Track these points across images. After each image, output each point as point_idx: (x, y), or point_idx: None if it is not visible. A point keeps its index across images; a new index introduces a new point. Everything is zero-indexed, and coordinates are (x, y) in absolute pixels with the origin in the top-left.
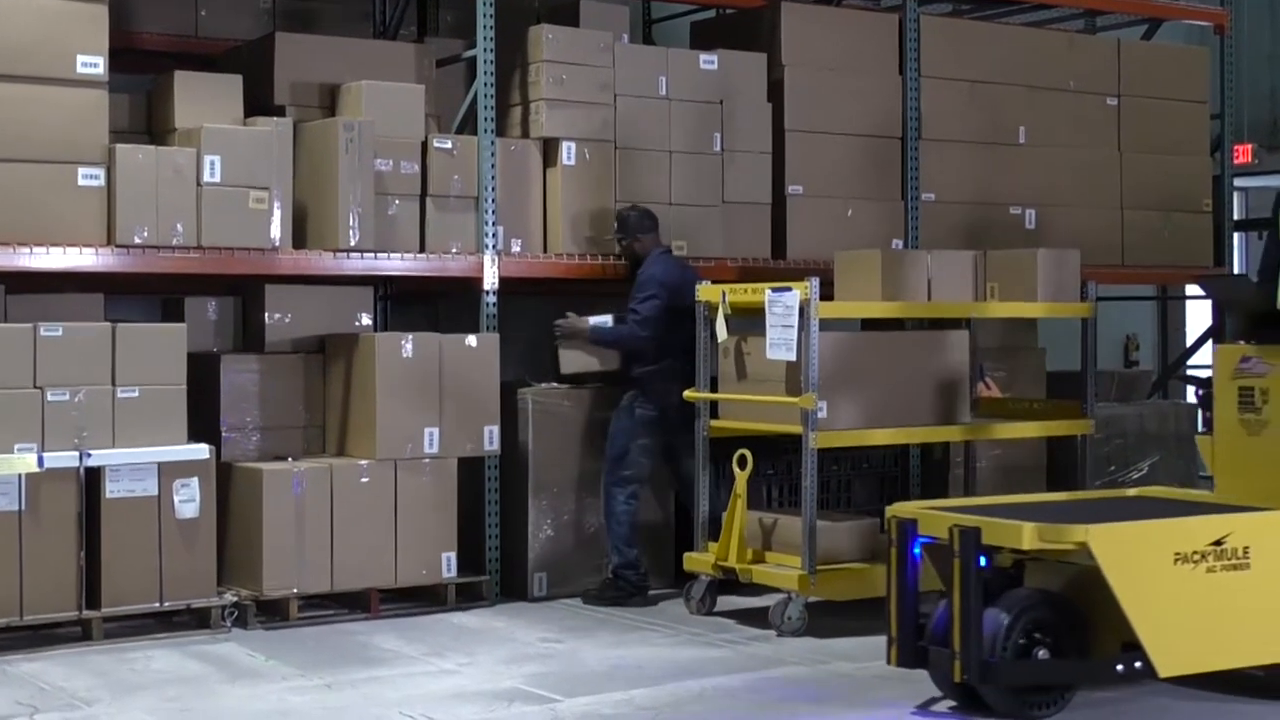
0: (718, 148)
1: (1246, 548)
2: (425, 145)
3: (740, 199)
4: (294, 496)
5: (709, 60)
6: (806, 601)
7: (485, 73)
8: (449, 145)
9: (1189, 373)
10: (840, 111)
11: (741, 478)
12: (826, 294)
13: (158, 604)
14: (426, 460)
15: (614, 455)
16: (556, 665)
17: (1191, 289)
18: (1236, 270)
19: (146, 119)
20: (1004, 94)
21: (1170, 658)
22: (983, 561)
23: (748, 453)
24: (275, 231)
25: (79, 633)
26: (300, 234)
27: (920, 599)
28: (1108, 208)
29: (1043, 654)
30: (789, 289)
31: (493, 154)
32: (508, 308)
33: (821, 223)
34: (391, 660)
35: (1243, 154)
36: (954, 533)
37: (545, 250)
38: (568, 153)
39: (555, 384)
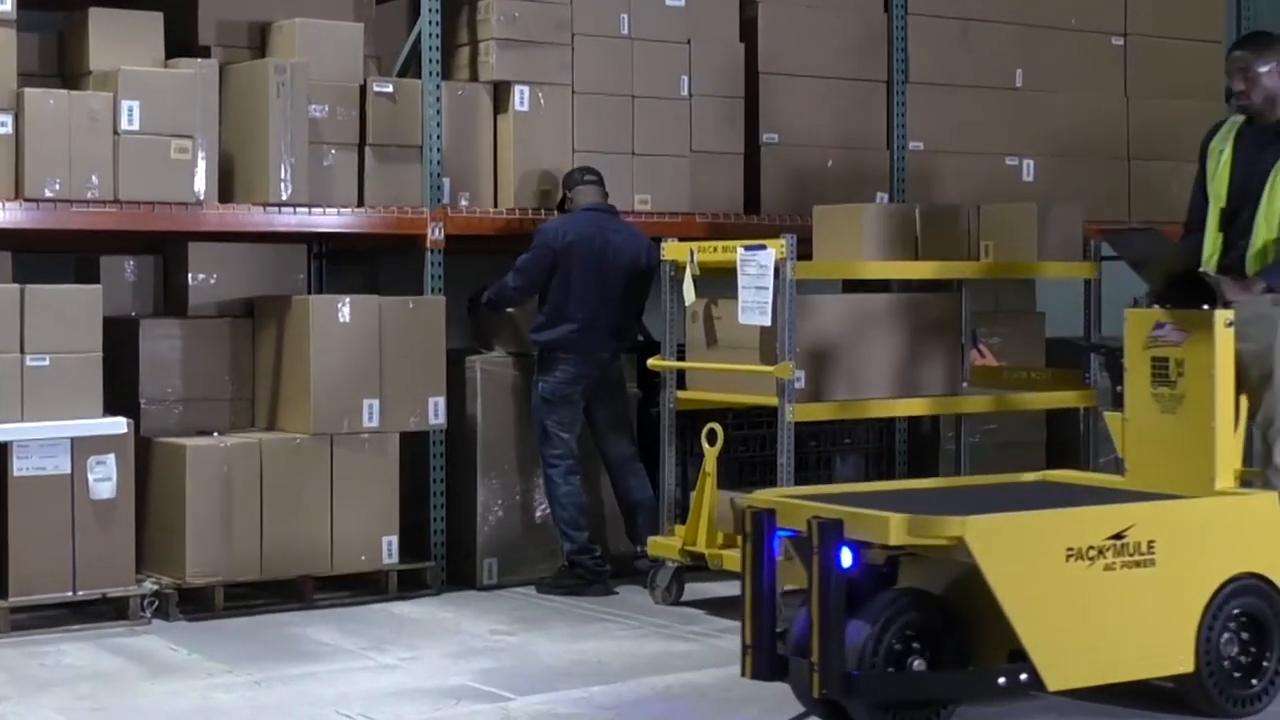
0: (685, 92)
1: (1151, 542)
2: (364, 90)
3: (709, 148)
4: (220, 475)
5: None
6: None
7: (430, 10)
8: (390, 89)
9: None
10: (819, 52)
11: (711, 454)
12: (804, 253)
13: (70, 593)
14: (366, 435)
15: (536, 436)
16: (508, 660)
17: None
18: None
19: (58, 61)
20: (999, 33)
21: (1061, 669)
22: (848, 559)
23: (718, 427)
24: (200, 184)
25: None
26: (227, 187)
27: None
28: (1113, 158)
29: (918, 664)
30: (763, 247)
31: (438, 99)
32: (454, 268)
33: (799, 174)
34: (327, 654)
35: None
36: (812, 525)
37: (495, 205)
38: (520, 97)
39: (508, 352)
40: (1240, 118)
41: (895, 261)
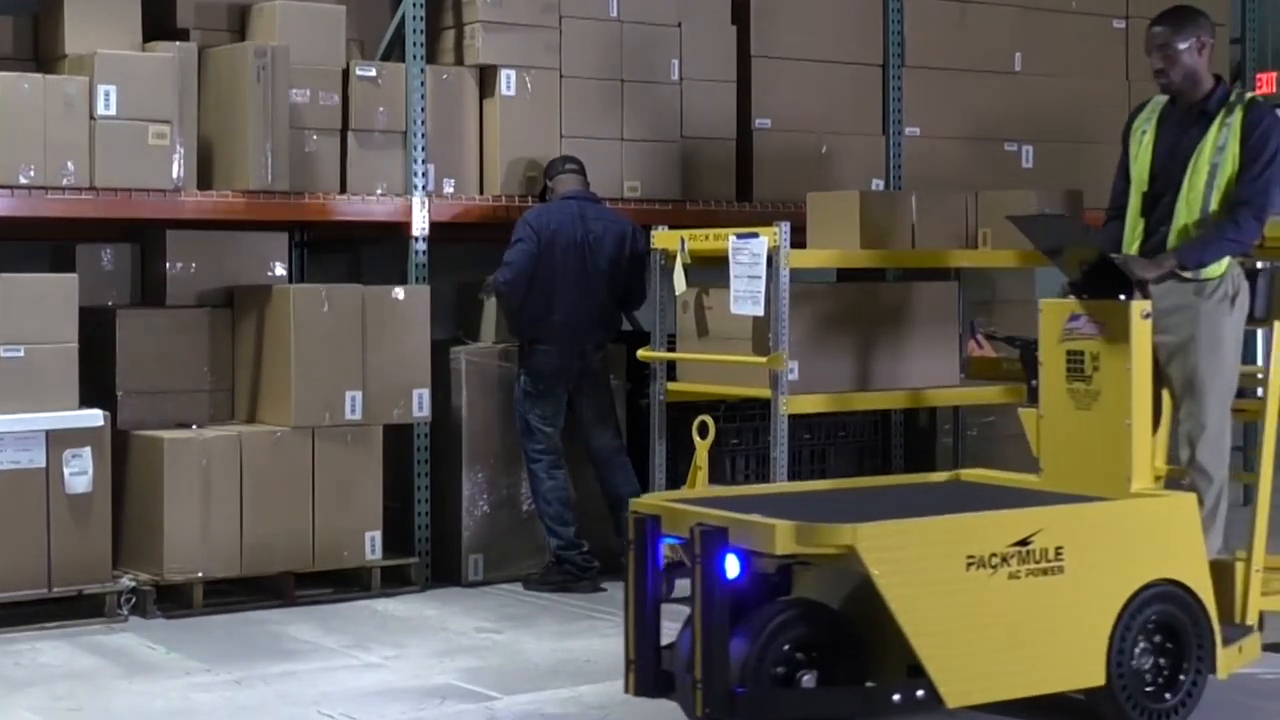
0: (675, 76)
1: (1059, 548)
2: (347, 74)
3: (701, 134)
4: (199, 468)
5: None
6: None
7: None
8: (373, 74)
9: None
10: (814, 35)
11: (702, 448)
12: (798, 241)
13: (46, 590)
14: (348, 428)
15: (519, 430)
16: (494, 658)
17: None
18: None
19: (33, 44)
20: (998, 16)
21: (961, 685)
22: (735, 568)
23: (709, 420)
24: (178, 170)
25: None
26: (206, 173)
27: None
28: (1114, 144)
29: (808, 680)
30: (756, 235)
31: (422, 83)
32: (439, 256)
33: (792, 161)
34: (309, 653)
35: (1266, 83)
36: (695, 533)
37: (481, 191)
38: (507, 82)
39: (494, 342)
40: (1164, 98)
41: (891, 250)
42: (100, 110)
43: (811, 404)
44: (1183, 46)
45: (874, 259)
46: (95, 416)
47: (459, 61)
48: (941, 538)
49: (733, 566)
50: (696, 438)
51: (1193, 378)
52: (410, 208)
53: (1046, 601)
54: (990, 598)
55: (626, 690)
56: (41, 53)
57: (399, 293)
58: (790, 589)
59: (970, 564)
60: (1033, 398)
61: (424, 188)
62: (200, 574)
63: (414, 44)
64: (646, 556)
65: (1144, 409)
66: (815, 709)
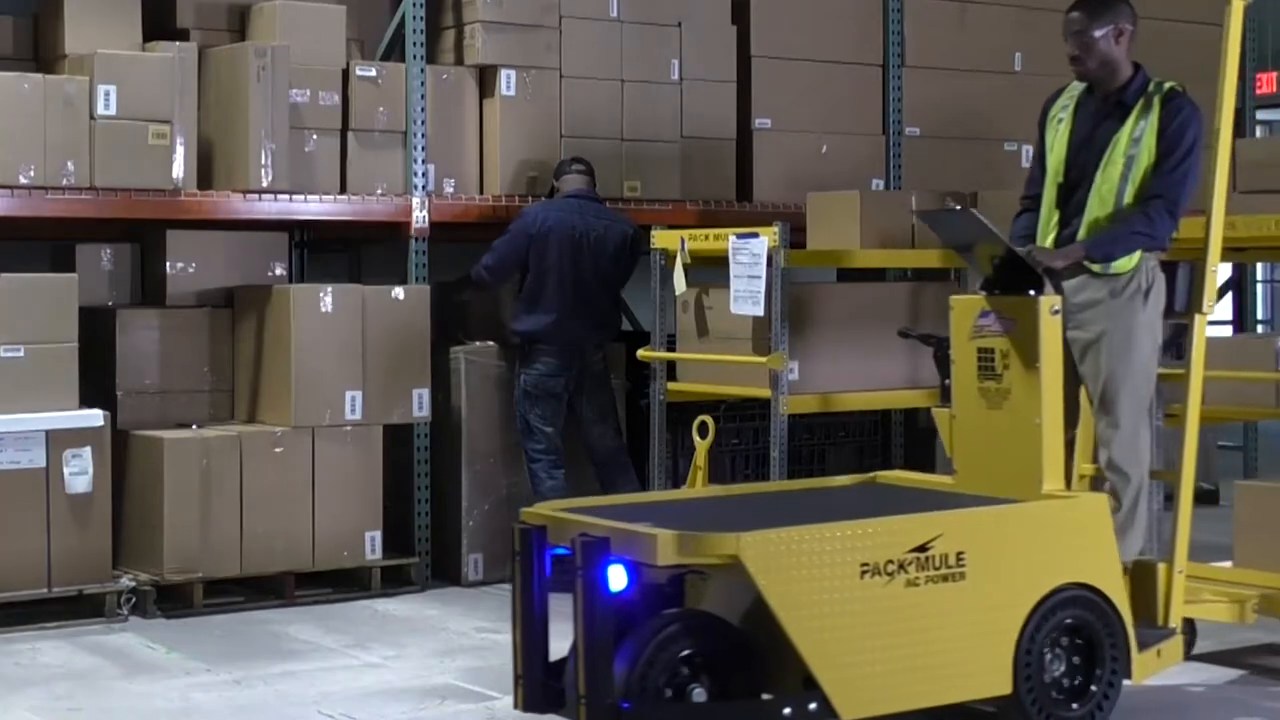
0: (675, 76)
1: (961, 553)
2: (347, 74)
3: (701, 134)
4: (199, 468)
5: None
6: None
7: None
8: (373, 74)
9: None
10: (814, 35)
11: (702, 447)
12: (798, 241)
13: (46, 589)
14: (348, 428)
15: (519, 430)
16: (494, 658)
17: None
18: None
19: (33, 44)
20: (998, 15)
21: (856, 697)
22: (621, 579)
23: (709, 419)
24: (178, 170)
25: None
26: (206, 173)
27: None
28: None
29: (699, 694)
30: (755, 235)
31: (422, 83)
32: (439, 256)
33: (792, 160)
34: (308, 653)
35: (1266, 83)
36: (576, 544)
37: (481, 191)
38: (507, 82)
39: (493, 342)
40: (1081, 86)
41: (891, 250)
42: (100, 110)
43: (811, 404)
44: (1098, 34)
45: (874, 259)
46: (95, 416)
47: (459, 61)
48: (832, 545)
49: (619, 578)
50: (696, 437)
51: (1106, 375)
52: (410, 208)
53: (948, 609)
54: (887, 606)
55: (516, 706)
56: (41, 53)
57: (399, 293)
58: (682, 600)
59: (865, 571)
60: (946, 397)
61: (424, 188)
62: (200, 574)
63: (414, 44)
64: (533, 569)
65: (1054, 408)
66: None
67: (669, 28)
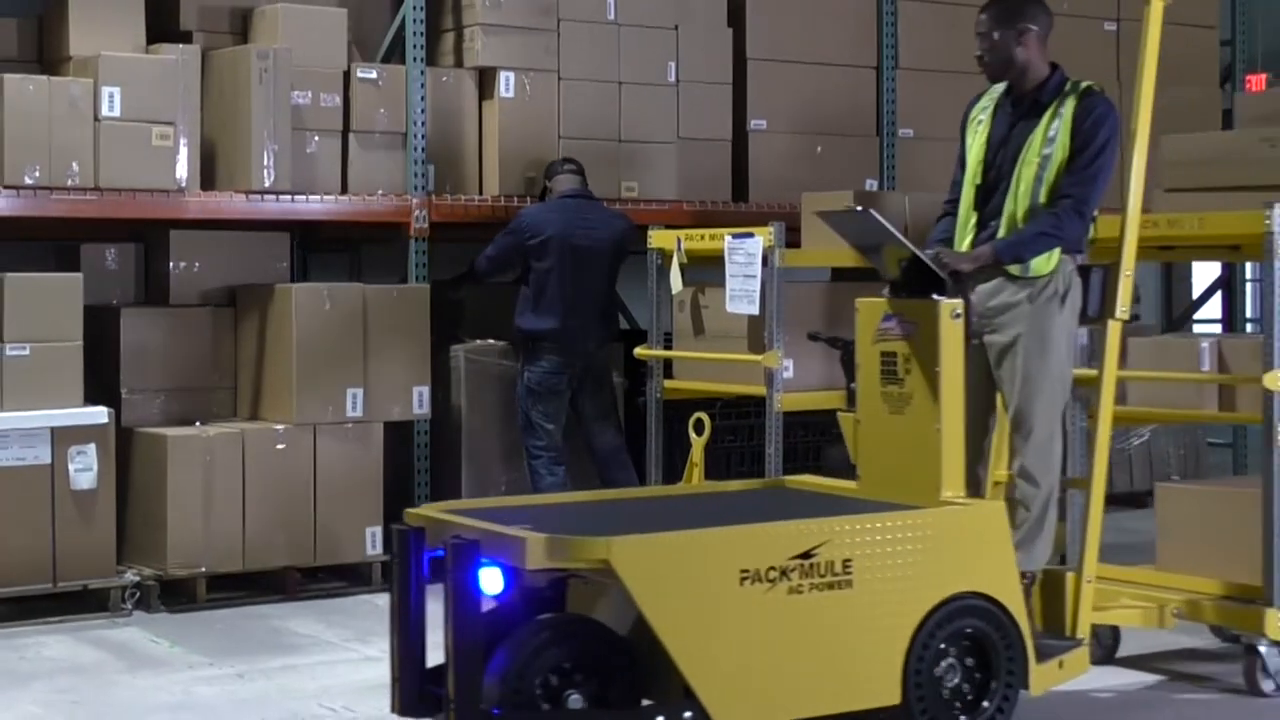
0: (672, 78)
1: (847, 561)
2: (348, 76)
3: (697, 135)
4: (202, 465)
5: None
6: None
7: None
8: (374, 76)
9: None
10: (809, 38)
11: (698, 444)
12: (793, 240)
13: (50, 584)
14: (349, 425)
15: (520, 427)
16: None
17: None
18: None
19: (38, 46)
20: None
21: (734, 706)
22: (496, 583)
23: (705, 417)
24: (181, 171)
25: None
26: (209, 174)
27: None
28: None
29: (576, 701)
30: (751, 235)
31: (422, 85)
32: (439, 255)
33: (787, 161)
34: (310, 647)
35: (1256, 85)
36: (448, 547)
37: (481, 192)
38: (506, 84)
39: (493, 340)
40: (1001, 88)
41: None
42: (104, 111)
43: (805, 401)
44: (1000, 35)
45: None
46: (100, 414)
47: (458, 64)
48: (708, 551)
49: (494, 581)
50: (693, 434)
51: (1021, 380)
52: (410, 208)
53: (833, 617)
54: (768, 614)
55: (392, 709)
56: (46, 55)
57: (399, 292)
58: (563, 604)
59: (745, 578)
60: (851, 401)
61: (424, 188)
62: (203, 569)
63: (414, 46)
64: (410, 572)
65: (954, 414)
66: None
67: (666, 30)
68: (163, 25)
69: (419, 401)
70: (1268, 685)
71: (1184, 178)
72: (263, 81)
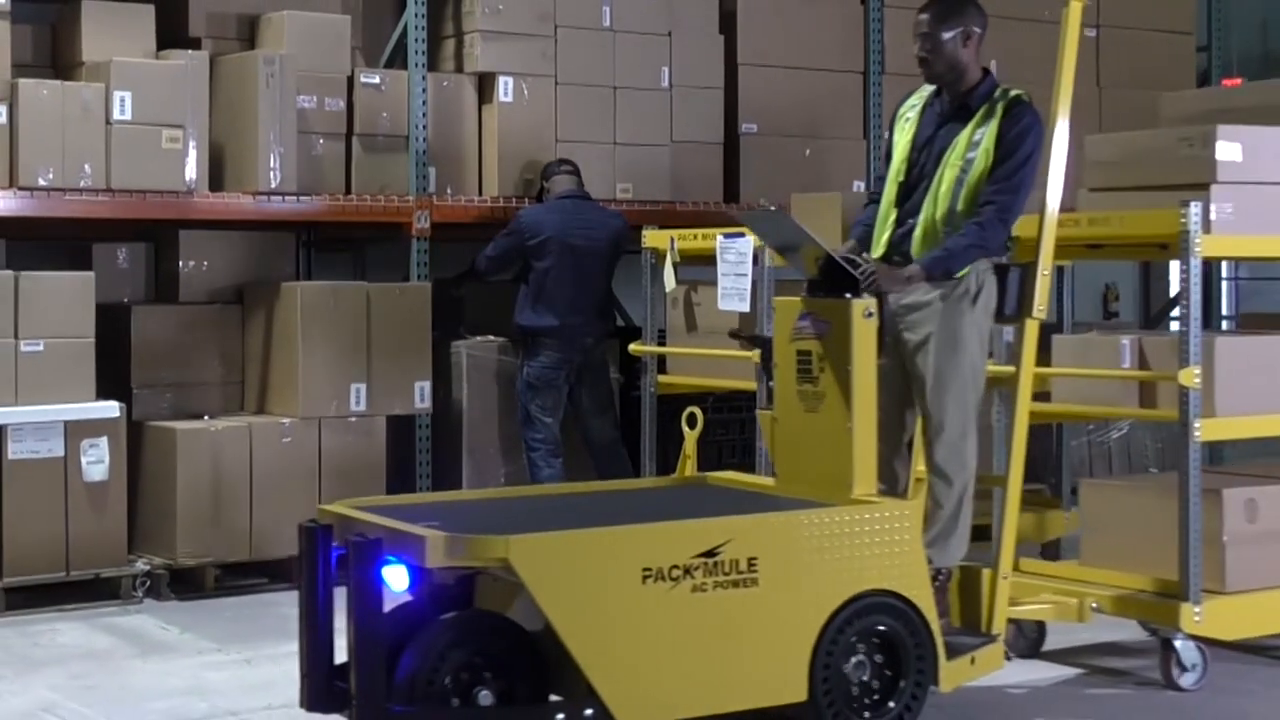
0: (665, 83)
1: (753, 559)
2: (351, 81)
3: (690, 138)
4: (210, 457)
5: None
6: None
7: (416, 2)
8: (377, 81)
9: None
10: (798, 44)
11: (691, 438)
12: None
13: (64, 573)
14: (353, 419)
15: (519, 420)
16: None
17: None
18: None
19: (51, 52)
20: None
21: (636, 704)
22: (401, 580)
23: (698, 411)
24: (190, 173)
25: None
26: (217, 176)
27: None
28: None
29: (485, 698)
30: (742, 235)
31: (424, 90)
32: (440, 255)
33: (777, 163)
34: None
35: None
36: (350, 546)
37: (480, 193)
38: (505, 88)
39: (492, 336)
40: (931, 88)
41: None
42: (116, 115)
43: None
44: (947, 36)
45: None
46: (111, 408)
47: (459, 69)
48: (609, 550)
49: (399, 579)
50: (685, 428)
51: (932, 377)
52: (412, 208)
53: (739, 615)
54: (671, 612)
55: (301, 705)
56: (60, 60)
57: (401, 290)
58: (471, 601)
59: (647, 576)
60: (769, 399)
61: (425, 190)
62: (212, 558)
63: (416, 52)
64: (317, 569)
65: (866, 412)
66: None
67: (659, 37)
68: (172, 32)
69: (421, 396)
70: (1184, 679)
71: (1106, 177)
72: (269, 86)
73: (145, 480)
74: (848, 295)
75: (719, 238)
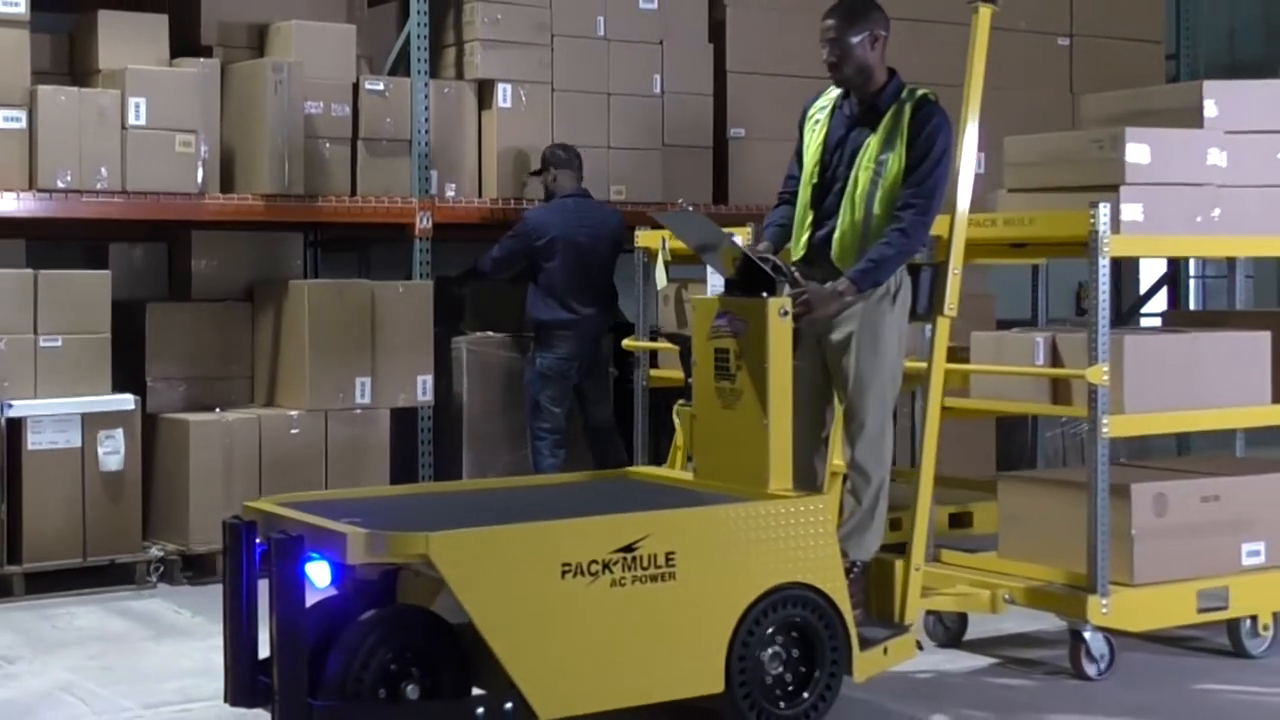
0: (657, 89)
1: (670, 554)
2: (356, 87)
3: (680, 142)
4: (222, 448)
5: (649, 0)
6: None
7: (418, 12)
8: (381, 87)
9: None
10: (784, 52)
11: (681, 430)
12: None
13: (81, 559)
14: (358, 410)
15: (528, 408)
16: None
17: None
18: None
19: (69, 60)
20: (950, 34)
21: (556, 696)
22: (324, 576)
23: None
24: (202, 175)
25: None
26: (228, 178)
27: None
28: None
29: (412, 691)
30: (731, 234)
31: (426, 96)
32: (441, 254)
33: (764, 166)
34: None
35: None
36: (272, 542)
37: (480, 195)
38: (503, 95)
39: (491, 332)
40: (839, 89)
41: None
42: (131, 120)
43: None
44: (854, 40)
45: None
46: (127, 401)
47: (459, 76)
48: (528, 545)
49: (322, 575)
50: (676, 420)
51: (853, 376)
52: (414, 210)
53: (657, 608)
54: (589, 606)
55: (225, 699)
56: (77, 68)
57: (404, 287)
58: (394, 596)
59: (566, 571)
60: (689, 396)
61: (427, 191)
62: (222, 545)
63: (418, 60)
64: (241, 564)
65: (782, 409)
66: None
67: (651, 45)
68: (185, 40)
69: (423, 389)
70: (1091, 669)
71: (1024, 178)
72: (277, 93)
73: (159, 470)
74: (764, 294)
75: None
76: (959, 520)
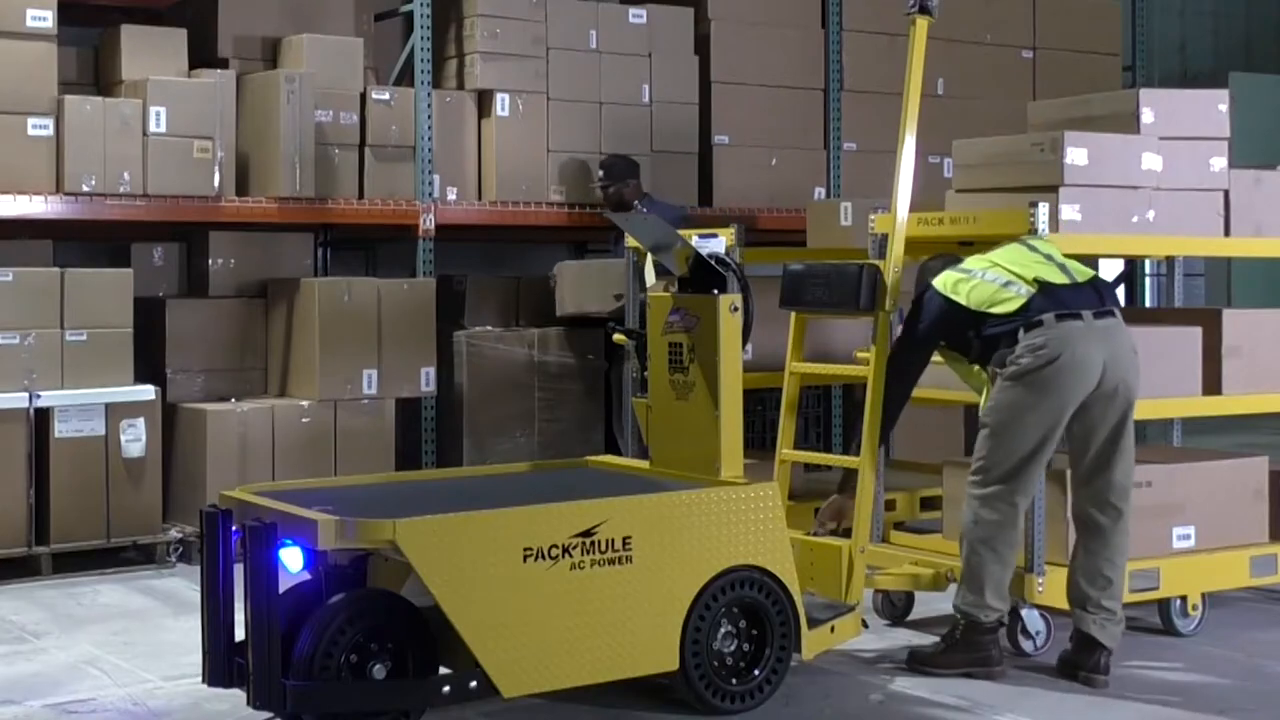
0: (646, 99)
1: (627, 538)
2: (364, 97)
3: (668, 149)
4: (237, 436)
5: (638, 15)
6: None
7: (422, 26)
8: (387, 97)
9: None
10: (765, 64)
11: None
12: (751, 240)
13: (105, 540)
14: (365, 401)
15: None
16: None
17: None
18: None
19: (94, 71)
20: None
21: (517, 674)
22: (297, 562)
23: None
24: (219, 180)
25: (28, 568)
26: (243, 182)
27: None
28: None
29: (379, 671)
30: (715, 235)
31: (429, 105)
32: (443, 253)
33: (746, 171)
34: None
35: None
36: (246, 530)
37: (480, 198)
38: (501, 104)
39: (489, 327)
40: None
41: (830, 248)
42: (152, 128)
43: (762, 380)
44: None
45: (816, 255)
46: (148, 391)
47: (460, 86)
48: (492, 531)
49: (295, 560)
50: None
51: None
52: (418, 212)
53: (614, 590)
54: (550, 589)
55: (203, 680)
56: (101, 78)
57: (409, 285)
58: (365, 580)
59: (528, 556)
60: (644, 387)
61: (430, 195)
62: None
63: (422, 71)
64: (218, 551)
65: (732, 400)
66: (364, 702)
67: (640, 58)
68: (203, 53)
69: (426, 381)
70: (1027, 645)
71: (971, 179)
72: (290, 102)
73: (178, 456)
74: (714, 291)
75: (694, 238)
76: (929, 504)
